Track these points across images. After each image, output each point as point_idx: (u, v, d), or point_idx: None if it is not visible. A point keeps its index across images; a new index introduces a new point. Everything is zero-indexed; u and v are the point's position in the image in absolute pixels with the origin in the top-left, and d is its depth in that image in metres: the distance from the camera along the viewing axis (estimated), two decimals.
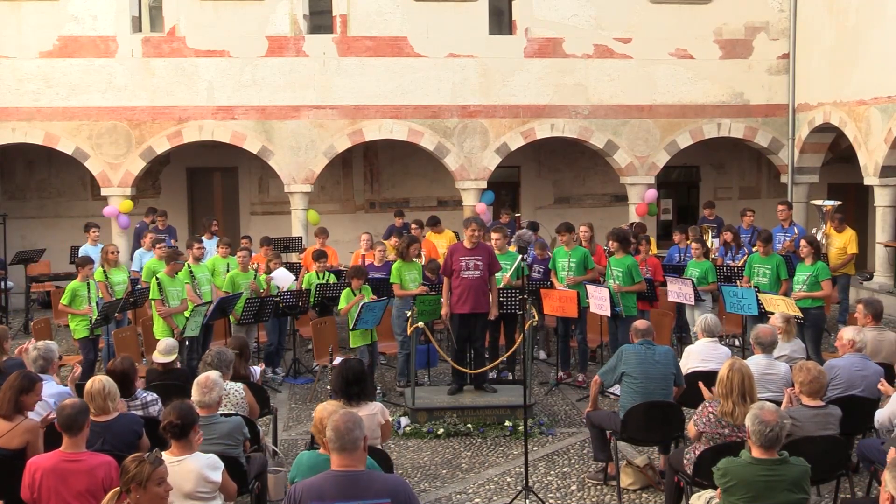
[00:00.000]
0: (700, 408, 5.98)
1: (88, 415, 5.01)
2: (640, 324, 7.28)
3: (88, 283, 10.24)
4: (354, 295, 10.18)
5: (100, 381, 5.62)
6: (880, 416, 6.28)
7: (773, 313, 8.53)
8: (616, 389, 7.43)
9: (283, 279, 11.16)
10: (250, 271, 10.91)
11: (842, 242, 12.61)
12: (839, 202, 13.47)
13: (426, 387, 9.74)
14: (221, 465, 4.95)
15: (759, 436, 4.73)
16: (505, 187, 18.77)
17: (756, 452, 4.78)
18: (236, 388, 6.66)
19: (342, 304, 10.27)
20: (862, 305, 8.07)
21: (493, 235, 10.13)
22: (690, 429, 6.02)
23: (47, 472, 4.75)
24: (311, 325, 10.65)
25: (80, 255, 11.56)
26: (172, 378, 7.44)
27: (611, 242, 10.34)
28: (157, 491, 4.21)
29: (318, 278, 11.24)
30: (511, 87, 16.13)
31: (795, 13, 16.24)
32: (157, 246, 11.07)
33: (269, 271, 11.16)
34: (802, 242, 10.36)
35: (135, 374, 6.35)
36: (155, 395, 6.50)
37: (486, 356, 9.60)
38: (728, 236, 12.79)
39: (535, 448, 8.10)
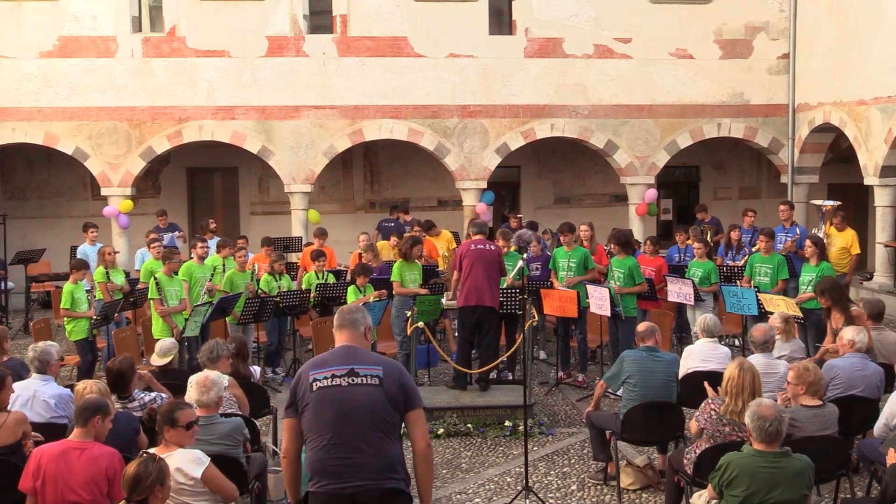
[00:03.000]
0: (703, 404, 5.98)
1: (95, 413, 5.05)
2: (642, 327, 7.22)
3: (91, 285, 10.24)
4: (359, 291, 10.18)
5: (87, 388, 5.66)
6: (877, 425, 6.26)
7: (773, 313, 8.53)
8: (619, 390, 7.41)
9: None
10: (247, 272, 10.90)
11: (844, 242, 12.58)
12: (839, 202, 13.45)
13: (426, 387, 9.73)
14: (206, 460, 4.94)
15: (760, 431, 4.76)
16: (505, 187, 18.76)
17: (758, 447, 4.81)
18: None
19: (350, 300, 10.27)
20: (862, 305, 8.08)
21: (500, 243, 10.19)
22: (692, 425, 6.04)
23: (53, 457, 4.88)
24: (311, 325, 10.66)
25: (77, 255, 11.56)
26: (172, 378, 7.42)
27: (612, 245, 10.33)
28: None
29: (318, 278, 11.23)
30: (511, 87, 16.12)
31: (795, 13, 16.23)
32: (152, 245, 11.03)
33: (271, 272, 11.15)
34: (807, 243, 10.32)
35: (133, 375, 6.28)
36: (153, 395, 6.45)
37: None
38: (736, 234, 12.80)
39: (535, 448, 8.10)
